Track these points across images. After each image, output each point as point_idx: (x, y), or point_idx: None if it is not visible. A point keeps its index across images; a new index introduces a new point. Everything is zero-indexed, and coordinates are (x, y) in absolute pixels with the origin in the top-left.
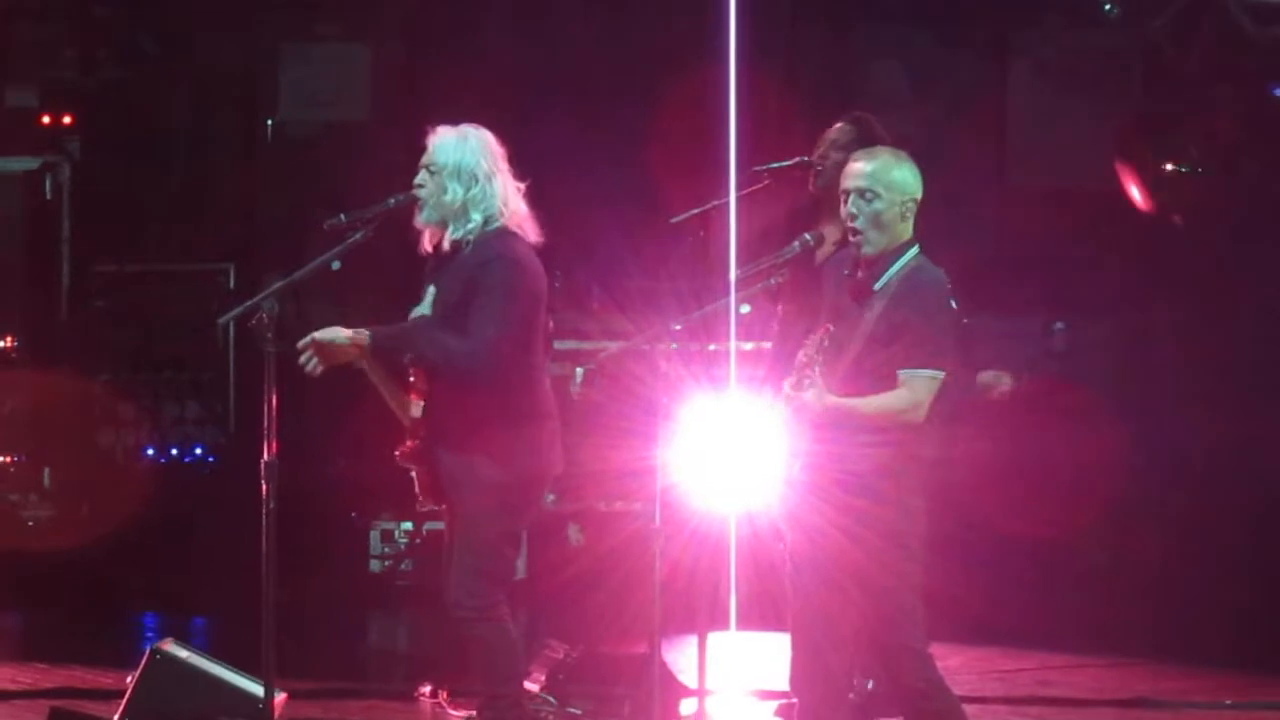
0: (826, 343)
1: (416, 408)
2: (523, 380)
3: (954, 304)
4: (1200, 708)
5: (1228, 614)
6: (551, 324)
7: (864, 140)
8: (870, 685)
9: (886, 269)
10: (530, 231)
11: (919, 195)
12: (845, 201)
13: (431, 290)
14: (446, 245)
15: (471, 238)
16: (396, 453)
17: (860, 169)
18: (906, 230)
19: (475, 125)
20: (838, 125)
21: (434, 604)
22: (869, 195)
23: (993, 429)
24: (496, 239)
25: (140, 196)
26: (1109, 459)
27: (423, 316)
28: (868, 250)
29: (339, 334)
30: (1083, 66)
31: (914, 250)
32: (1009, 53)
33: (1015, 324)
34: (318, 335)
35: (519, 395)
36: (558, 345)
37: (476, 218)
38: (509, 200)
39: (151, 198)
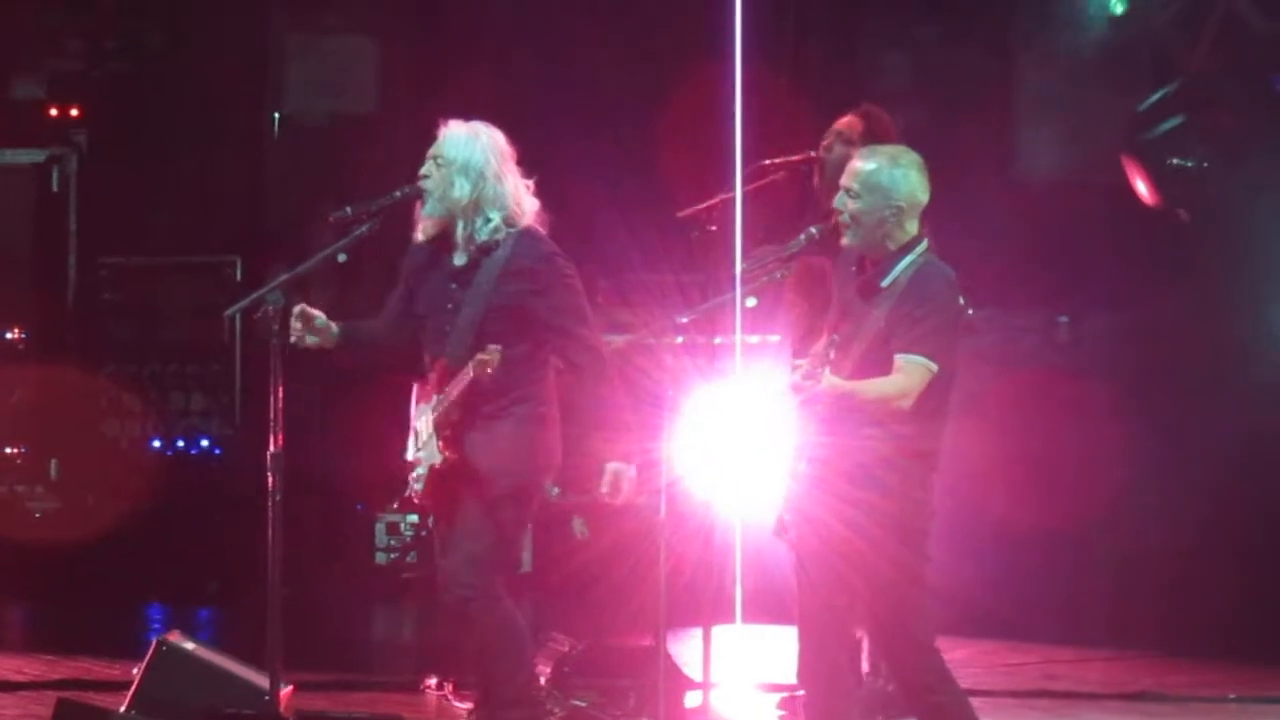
0: (837, 341)
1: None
2: (545, 373)
3: (962, 301)
4: (1205, 702)
5: (1234, 608)
6: None
7: (872, 134)
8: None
9: (893, 267)
10: (540, 227)
11: (916, 200)
12: None
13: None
14: (460, 243)
15: (499, 237)
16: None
17: (853, 166)
18: (903, 232)
19: (486, 123)
20: (845, 118)
21: (439, 596)
22: (852, 193)
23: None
24: (533, 237)
25: (147, 189)
26: (1115, 452)
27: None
28: (848, 240)
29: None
30: (1088, 60)
31: (920, 247)
32: (1015, 45)
33: (1020, 317)
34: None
35: (537, 387)
36: None
37: (495, 217)
38: (522, 200)
39: (158, 190)
